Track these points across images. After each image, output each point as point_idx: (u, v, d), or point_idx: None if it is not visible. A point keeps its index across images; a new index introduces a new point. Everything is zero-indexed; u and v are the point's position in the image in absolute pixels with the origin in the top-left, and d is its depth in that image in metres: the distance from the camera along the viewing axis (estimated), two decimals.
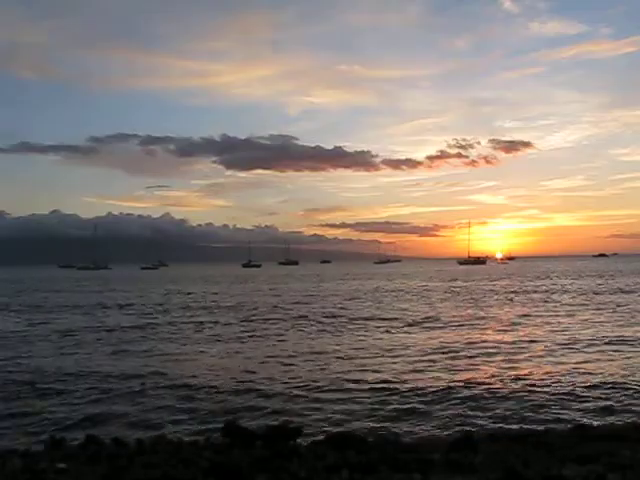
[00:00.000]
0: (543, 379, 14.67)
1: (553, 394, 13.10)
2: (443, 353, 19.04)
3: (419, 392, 13.58)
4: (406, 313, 33.47)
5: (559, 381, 14.41)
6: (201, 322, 30.22)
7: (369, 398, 13.11)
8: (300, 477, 6.13)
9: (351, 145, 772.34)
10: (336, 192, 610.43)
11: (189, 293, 57.30)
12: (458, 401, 12.69)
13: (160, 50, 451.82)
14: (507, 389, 13.70)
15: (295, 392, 13.85)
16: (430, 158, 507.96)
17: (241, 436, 7.90)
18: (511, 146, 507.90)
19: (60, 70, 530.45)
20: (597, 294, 45.45)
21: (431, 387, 14.05)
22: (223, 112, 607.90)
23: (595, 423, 10.29)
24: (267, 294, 54.68)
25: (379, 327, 26.99)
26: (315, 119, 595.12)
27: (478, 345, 20.65)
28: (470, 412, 11.80)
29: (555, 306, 36.11)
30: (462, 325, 27.19)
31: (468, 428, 10.31)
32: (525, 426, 10.40)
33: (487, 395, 13.14)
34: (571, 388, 13.65)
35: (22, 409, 12.59)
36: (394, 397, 13.20)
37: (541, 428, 9.73)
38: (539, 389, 13.60)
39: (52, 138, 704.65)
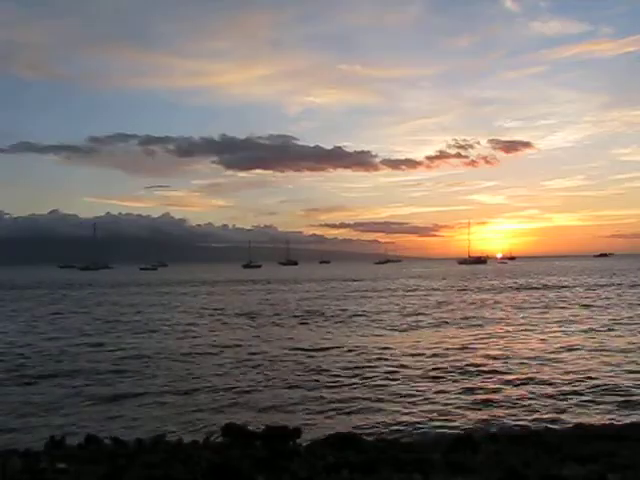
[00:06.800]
0: (543, 379, 14.66)
1: (554, 394, 13.10)
2: (443, 355, 19.05)
3: (419, 393, 13.59)
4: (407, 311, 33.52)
5: (560, 381, 14.41)
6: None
7: (369, 398, 13.11)
8: (300, 477, 6.12)
9: (351, 145, 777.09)
10: (336, 192, 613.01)
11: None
12: (458, 401, 12.69)
13: (160, 50, 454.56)
14: (507, 389, 13.70)
15: (295, 391, 13.86)
16: (430, 158, 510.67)
17: (241, 436, 7.89)
18: (511, 146, 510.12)
19: (60, 70, 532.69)
20: None
21: (431, 388, 14.06)
22: (223, 112, 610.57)
23: (595, 423, 10.29)
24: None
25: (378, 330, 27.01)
26: (315, 119, 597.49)
27: (478, 345, 20.64)
28: (470, 412, 11.80)
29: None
30: (460, 324, 27.22)
31: (468, 428, 10.31)
32: (525, 426, 10.40)
33: (487, 395, 13.15)
34: (571, 388, 13.66)
35: (21, 407, 12.61)
36: (394, 397, 13.21)
37: (541, 428, 9.72)
38: (539, 389, 13.60)
39: (52, 138, 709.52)
